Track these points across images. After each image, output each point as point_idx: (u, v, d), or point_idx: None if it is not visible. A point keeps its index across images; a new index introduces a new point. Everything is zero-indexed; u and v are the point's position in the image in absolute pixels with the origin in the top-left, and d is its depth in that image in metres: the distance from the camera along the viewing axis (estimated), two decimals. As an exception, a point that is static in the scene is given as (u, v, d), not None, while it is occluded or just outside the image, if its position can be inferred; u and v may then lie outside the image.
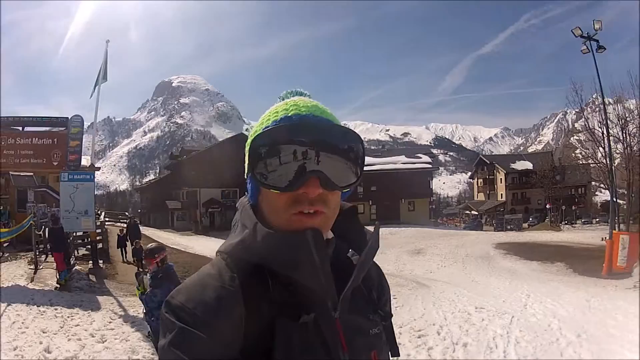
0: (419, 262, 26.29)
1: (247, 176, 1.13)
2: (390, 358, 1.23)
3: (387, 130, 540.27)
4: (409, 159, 59.15)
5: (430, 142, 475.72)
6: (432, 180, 64.39)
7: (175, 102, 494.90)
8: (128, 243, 21.68)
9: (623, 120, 34.55)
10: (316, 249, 0.98)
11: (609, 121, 28.92)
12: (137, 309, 10.91)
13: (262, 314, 0.99)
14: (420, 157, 60.43)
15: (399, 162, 58.10)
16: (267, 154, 1.02)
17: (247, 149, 1.10)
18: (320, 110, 1.10)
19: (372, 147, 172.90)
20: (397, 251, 29.58)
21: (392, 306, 1.33)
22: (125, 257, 21.20)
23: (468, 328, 9.30)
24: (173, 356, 0.94)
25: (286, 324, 0.98)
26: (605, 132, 28.68)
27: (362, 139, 1.10)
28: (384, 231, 44.57)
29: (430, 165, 60.44)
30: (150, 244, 6.74)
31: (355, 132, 1.09)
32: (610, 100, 32.84)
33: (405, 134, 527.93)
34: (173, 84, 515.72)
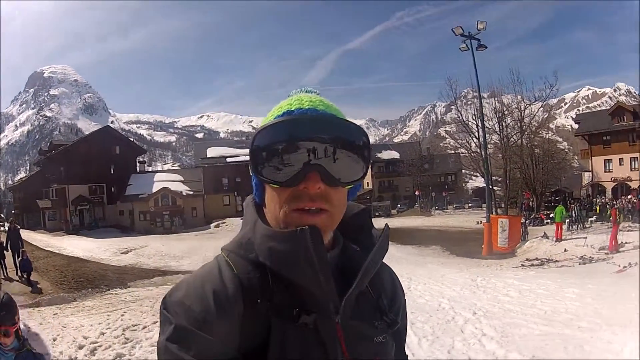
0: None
1: (251, 172, 1.10)
2: None
3: (251, 121, 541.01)
4: (273, 150, 59.69)
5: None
6: (296, 169, 65.37)
7: (46, 94, 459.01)
8: (7, 253, 19.04)
9: (500, 114, 38.35)
10: (314, 248, 0.98)
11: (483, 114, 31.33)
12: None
13: (260, 313, 1.00)
14: (285, 148, 60.80)
15: (263, 152, 58.64)
16: (268, 149, 1.03)
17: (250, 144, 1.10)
18: (324, 104, 1.10)
19: (235, 139, 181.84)
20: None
21: (405, 314, 1.32)
22: (6, 272, 18.56)
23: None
24: (170, 354, 0.97)
25: (283, 324, 1.00)
26: (480, 124, 31.13)
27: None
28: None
29: (295, 155, 61.16)
30: None
31: (359, 127, 1.09)
32: (484, 94, 35.39)
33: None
34: (44, 75, 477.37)
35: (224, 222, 50.01)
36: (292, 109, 1.07)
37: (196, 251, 27.97)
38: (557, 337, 6.74)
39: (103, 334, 8.85)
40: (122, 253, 29.50)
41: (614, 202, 38.50)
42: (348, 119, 1.09)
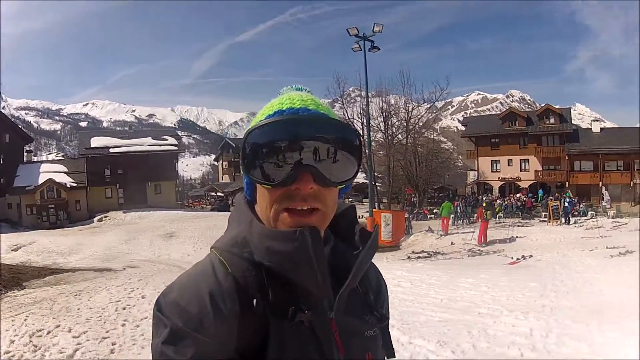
0: (174, 246, 27.21)
1: (242, 172, 1.13)
2: None
3: (134, 111, 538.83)
4: (156, 141, 58.67)
5: (175, 125, 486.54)
6: (177, 162, 64.34)
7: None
8: None
9: (386, 113, 40.57)
10: (314, 248, 1.00)
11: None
12: None
13: (257, 312, 1.01)
14: (167, 139, 60.17)
15: (145, 144, 57.35)
16: (259, 149, 1.04)
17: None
18: (315, 104, 1.11)
19: (118, 128, 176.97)
20: (150, 235, 30.66)
21: (388, 308, 1.36)
22: None
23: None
24: (166, 357, 0.97)
25: (281, 323, 1.02)
26: (366, 122, 32.33)
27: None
28: (132, 215, 44.31)
29: (176, 148, 60.86)
30: None
31: (351, 126, 1.11)
32: (370, 94, 36.83)
33: (151, 115, 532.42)
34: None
35: (107, 216, 47.29)
36: (284, 109, 1.06)
37: (82, 247, 26.89)
38: (458, 322, 6.94)
39: (12, 342, 8.33)
40: (12, 250, 28.08)
41: (503, 200, 42.41)
42: (339, 119, 1.09)
